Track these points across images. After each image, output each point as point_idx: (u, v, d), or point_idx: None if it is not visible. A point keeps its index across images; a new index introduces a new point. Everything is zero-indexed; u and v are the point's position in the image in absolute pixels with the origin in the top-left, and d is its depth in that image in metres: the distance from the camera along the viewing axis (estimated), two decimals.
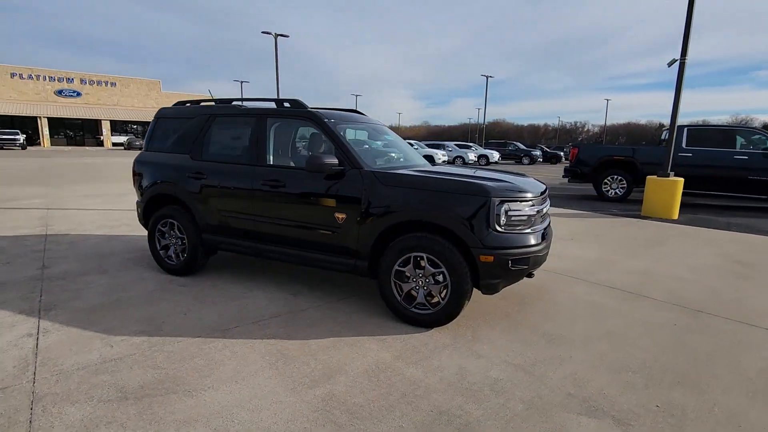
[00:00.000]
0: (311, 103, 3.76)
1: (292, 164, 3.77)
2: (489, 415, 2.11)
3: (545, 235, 3.24)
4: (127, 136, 44.76)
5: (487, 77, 42.10)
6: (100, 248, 5.05)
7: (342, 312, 3.35)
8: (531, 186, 3.24)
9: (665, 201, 8.05)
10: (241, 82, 48.23)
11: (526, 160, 31.44)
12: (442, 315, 3.01)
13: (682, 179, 8.09)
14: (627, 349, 2.84)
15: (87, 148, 42.14)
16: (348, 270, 3.33)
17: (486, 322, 3.20)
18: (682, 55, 7.85)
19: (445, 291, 2.98)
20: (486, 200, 2.86)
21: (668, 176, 8.13)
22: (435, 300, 3.06)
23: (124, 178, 12.84)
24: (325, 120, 3.48)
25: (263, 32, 29.69)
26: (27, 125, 40.06)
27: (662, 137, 11.30)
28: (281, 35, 29.92)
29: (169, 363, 2.53)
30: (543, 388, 2.36)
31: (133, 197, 5.26)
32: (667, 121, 8.28)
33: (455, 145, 29.00)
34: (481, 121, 47.13)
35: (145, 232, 5.01)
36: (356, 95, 68.60)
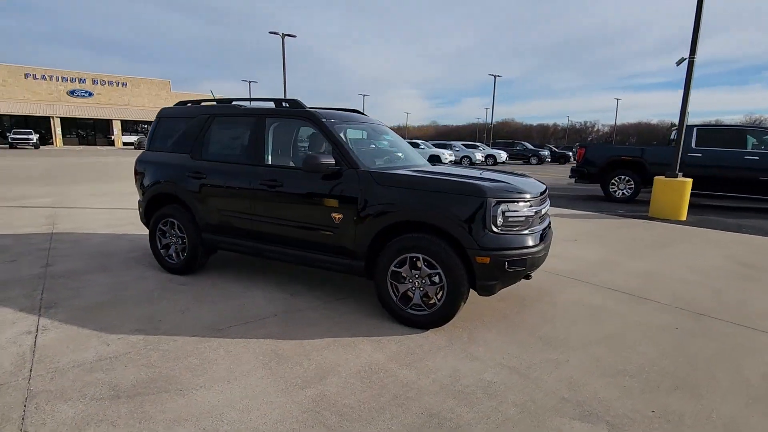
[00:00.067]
0: (321, 102, 3.79)
1: (292, 164, 3.78)
2: (480, 419, 2.09)
3: (544, 237, 3.20)
4: (137, 135, 45.27)
5: (495, 77, 41.84)
6: (105, 247, 5.11)
7: (340, 312, 3.34)
8: (529, 186, 3.20)
9: (673, 202, 7.93)
10: (250, 82, 48.49)
11: (534, 160, 31.21)
12: (438, 316, 2.99)
13: (690, 180, 7.96)
14: (625, 353, 2.79)
15: (98, 147, 42.73)
16: (345, 270, 3.33)
17: (483, 324, 3.17)
18: (691, 54, 7.72)
19: (441, 292, 2.96)
20: (482, 201, 2.83)
21: (676, 177, 8.01)
22: (432, 301, 3.04)
23: (132, 178, 12.97)
24: (323, 120, 3.47)
25: (270, 32, 29.84)
26: (40, 125, 40.76)
27: (671, 137, 11.14)
28: (288, 35, 30.04)
29: (163, 362, 2.54)
30: (537, 392, 2.33)
31: None
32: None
33: (462, 145, 28.88)
34: (489, 120, 46.85)
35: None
36: (364, 95, 68.46)
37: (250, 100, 4.10)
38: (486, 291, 2.94)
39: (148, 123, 47.41)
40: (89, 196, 9.16)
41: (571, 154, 34.33)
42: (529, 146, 33.54)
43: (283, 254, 3.60)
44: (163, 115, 4.40)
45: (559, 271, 4.47)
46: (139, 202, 4.50)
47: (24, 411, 2.05)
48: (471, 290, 3.08)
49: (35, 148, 33.01)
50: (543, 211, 3.26)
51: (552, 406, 2.21)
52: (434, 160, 22.99)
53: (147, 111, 46.68)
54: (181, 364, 2.52)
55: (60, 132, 42.19)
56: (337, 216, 3.26)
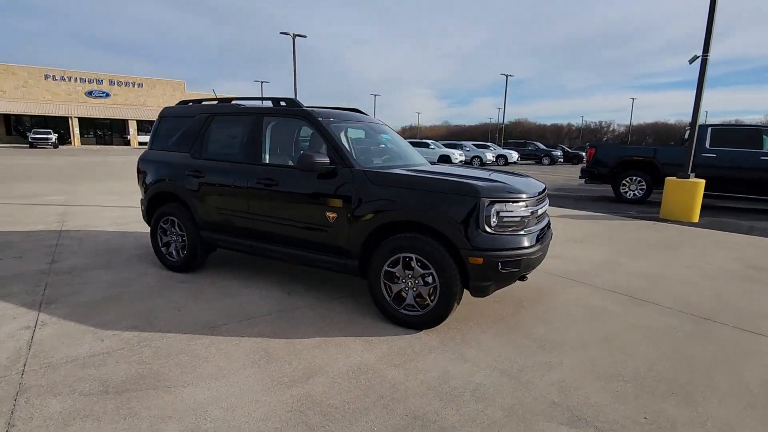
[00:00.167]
0: (332, 102, 3.79)
1: (290, 163, 3.78)
2: (465, 421, 2.06)
3: (541, 237, 3.14)
4: None
5: (507, 76, 41.49)
6: (110, 244, 5.19)
7: (335, 312, 3.33)
8: (526, 186, 3.15)
9: (685, 203, 7.75)
10: (261, 82, 49.01)
11: (546, 161, 30.84)
12: (431, 317, 2.96)
13: (703, 181, 7.76)
14: (621, 357, 2.73)
15: (115, 147, 43.54)
16: (340, 269, 3.32)
17: (478, 325, 3.13)
18: (704, 52, 7.53)
19: (434, 293, 2.93)
20: (475, 201, 2.79)
21: (689, 177, 7.82)
22: (425, 302, 3.01)
23: None
24: (319, 119, 3.47)
25: (281, 33, 30.05)
26: (59, 125, 41.67)
27: (685, 137, 10.89)
28: (299, 35, 30.20)
29: (154, 358, 2.57)
30: (527, 395, 2.29)
31: None
32: None
33: (473, 145, 28.68)
34: (501, 120, 46.43)
35: None
36: (375, 95, 68.49)
37: (250, 99, 4.12)
38: (479, 292, 2.90)
39: None
40: (100, 194, 9.32)
41: (583, 154, 33.82)
42: (542, 146, 33.15)
43: (281, 253, 3.61)
44: (165, 114, 4.45)
45: (560, 272, 4.40)
46: (141, 200, 4.55)
47: (14, 405, 2.09)
48: (466, 291, 3.05)
49: (54, 148, 33.78)
50: (540, 212, 3.21)
51: (540, 411, 2.16)
52: (444, 160, 22.88)
53: None
54: (171, 361, 2.54)
55: (78, 132, 43.07)
56: (331, 215, 3.25)
